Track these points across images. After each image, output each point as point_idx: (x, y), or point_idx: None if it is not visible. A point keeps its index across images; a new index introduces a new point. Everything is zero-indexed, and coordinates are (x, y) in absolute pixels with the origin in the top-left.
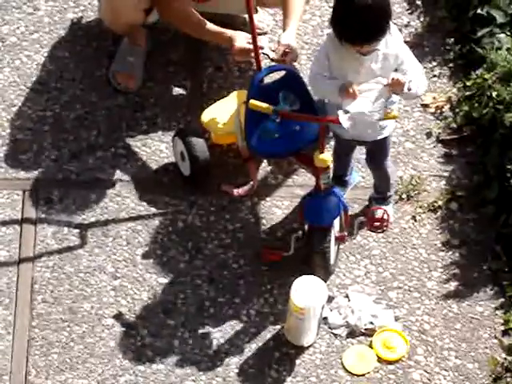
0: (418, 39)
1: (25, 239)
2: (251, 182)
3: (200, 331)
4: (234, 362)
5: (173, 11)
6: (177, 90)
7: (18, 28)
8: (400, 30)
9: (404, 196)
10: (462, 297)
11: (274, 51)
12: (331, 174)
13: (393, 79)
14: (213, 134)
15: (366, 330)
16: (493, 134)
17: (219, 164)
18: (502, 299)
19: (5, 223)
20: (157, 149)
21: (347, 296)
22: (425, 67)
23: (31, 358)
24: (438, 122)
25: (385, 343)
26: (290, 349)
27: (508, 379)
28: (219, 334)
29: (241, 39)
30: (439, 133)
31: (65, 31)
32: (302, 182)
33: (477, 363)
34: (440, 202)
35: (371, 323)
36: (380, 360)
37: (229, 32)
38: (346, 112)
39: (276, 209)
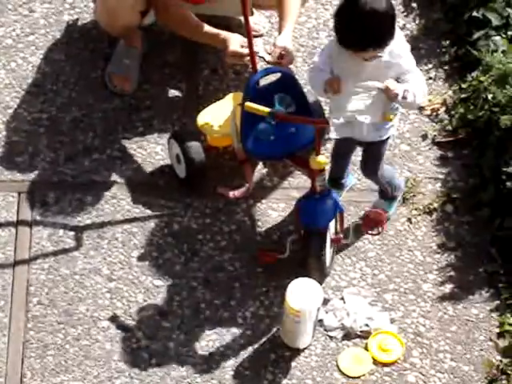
0: (414, 41)
1: (20, 241)
2: (247, 185)
3: (196, 333)
4: (229, 365)
5: (169, 14)
6: (172, 92)
7: (13, 30)
8: None
9: (399, 198)
10: (457, 299)
11: (269, 54)
12: (327, 177)
13: (386, 86)
14: (208, 137)
15: (361, 332)
16: (488, 136)
17: (215, 166)
18: (498, 301)
19: (0, 225)
20: (152, 151)
21: (343, 298)
22: (420, 69)
23: (26, 361)
24: (434, 124)
25: (380, 345)
26: (285, 351)
27: (503, 381)
28: (215, 337)
29: (235, 42)
30: (435, 135)
31: (60, 33)
32: (297, 184)
33: (472, 365)
34: (435, 205)
35: (367, 325)
36: (375, 362)
37: (223, 34)
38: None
39: (272, 211)
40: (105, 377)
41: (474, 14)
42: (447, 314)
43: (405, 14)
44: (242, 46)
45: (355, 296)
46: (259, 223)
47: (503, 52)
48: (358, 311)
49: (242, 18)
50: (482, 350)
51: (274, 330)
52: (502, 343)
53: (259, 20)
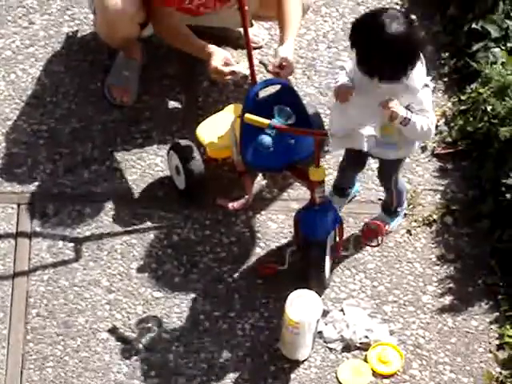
0: None
1: (19, 253)
2: (246, 196)
3: (195, 345)
4: (229, 377)
5: (163, 25)
6: (172, 104)
7: (13, 42)
8: None
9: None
10: (457, 311)
11: (268, 64)
12: (331, 184)
13: (386, 102)
14: (208, 148)
15: (361, 344)
16: (488, 148)
17: (214, 178)
18: (497, 313)
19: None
20: (152, 163)
21: (342, 310)
22: None
23: (26, 372)
24: (433, 136)
25: (380, 357)
26: (284, 363)
27: None
28: (214, 348)
29: (217, 58)
30: (434, 147)
31: (60, 45)
32: (297, 195)
33: (472, 377)
34: (435, 216)
35: (366, 337)
36: (375, 374)
37: (209, 48)
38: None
39: (271, 223)
40: None
41: (474, 26)
42: (447, 325)
43: None
44: (226, 64)
45: (355, 308)
46: (259, 235)
47: (502, 64)
48: (358, 323)
49: (241, 30)
50: (481, 361)
51: (274, 341)
52: (502, 355)
53: (258, 32)
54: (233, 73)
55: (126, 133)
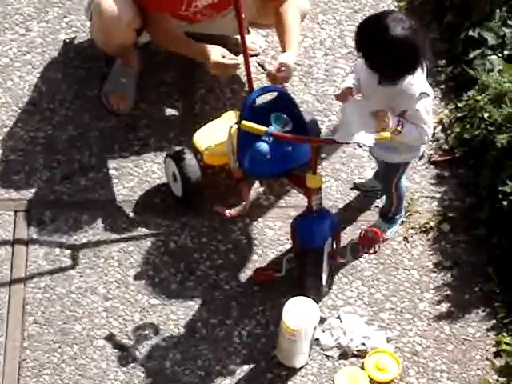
0: None
1: (16, 260)
2: (243, 203)
3: (192, 353)
4: None
5: (156, 29)
6: (169, 111)
7: (10, 49)
8: None
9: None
10: (453, 318)
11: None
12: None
13: (376, 112)
14: (205, 155)
15: (358, 351)
16: (485, 155)
17: (211, 185)
18: (494, 321)
19: None
20: (149, 170)
21: (339, 317)
22: None
23: (22, 380)
24: (430, 143)
25: (377, 364)
26: (281, 370)
27: None
28: (211, 356)
29: (215, 53)
30: (431, 154)
31: (57, 52)
32: (294, 202)
33: None
34: (432, 224)
35: (363, 344)
36: (372, 381)
37: (203, 46)
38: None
39: (268, 230)
40: None
41: (470, 33)
42: (444, 333)
43: None
44: (223, 57)
45: (352, 315)
46: (256, 242)
47: (499, 71)
48: (355, 330)
49: (238, 37)
50: (478, 369)
51: (271, 348)
52: (499, 362)
53: (256, 39)
54: (236, 65)
55: (123, 140)
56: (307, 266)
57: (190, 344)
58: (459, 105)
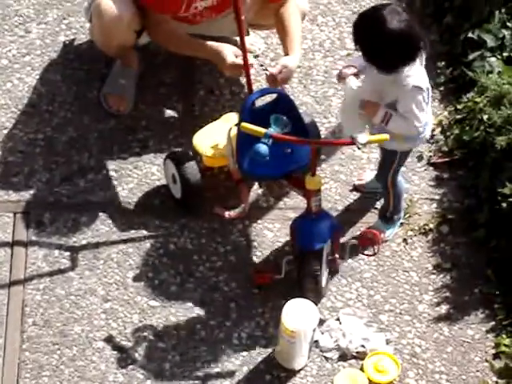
0: None
1: (15, 262)
2: (243, 205)
3: (191, 354)
4: None
5: (160, 31)
6: (168, 113)
7: (9, 51)
8: None
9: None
10: (453, 320)
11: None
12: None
13: (366, 102)
14: (204, 157)
15: (357, 353)
16: (484, 157)
17: (210, 187)
18: (493, 322)
19: None
20: (148, 171)
21: (338, 319)
22: None
23: (22, 381)
24: (429, 145)
25: (376, 366)
26: (281, 372)
27: None
28: (210, 358)
29: (229, 53)
30: (430, 156)
31: (56, 54)
32: (293, 204)
33: None
34: (431, 225)
35: (362, 346)
36: (371, 383)
37: (215, 45)
38: None
39: (267, 231)
40: None
41: (470, 35)
42: (443, 334)
43: None
44: (236, 56)
45: (351, 317)
46: (255, 244)
47: (498, 73)
48: (354, 332)
49: (238, 39)
50: (477, 371)
51: (270, 350)
52: (498, 364)
53: (255, 41)
54: (250, 65)
55: (122, 141)
56: (306, 268)
57: (189, 346)
58: (458, 107)
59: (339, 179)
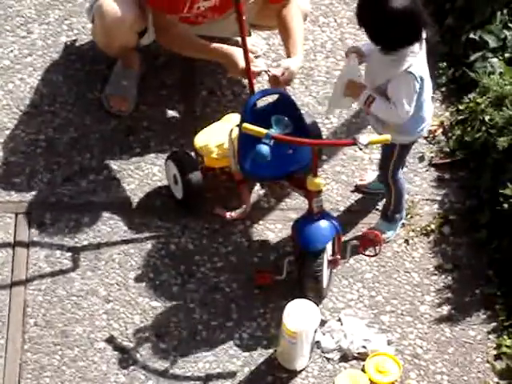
0: None
1: (17, 262)
2: (244, 206)
3: (192, 355)
4: None
5: (170, 35)
6: (170, 114)
7: (11, 51)
8: None
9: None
10: (454, 321)
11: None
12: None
13: (351, 82)
14: (205, 158)
15: (358, 353)
16: (485, 158)
17: (212, 187)
18: (495, 323)
19: None
20: (150, 172)
21: (340, 320)
22: None
23: (23, 382)
24: (431, 145)
25: (377, 367)
26: (282, 373)
27: None
28: (212, 358)
29: (242, 58)
30: (432, 157)
31: (58, 54)
32: (294, 205)
33: None
34: (433, 226)
35: (364, 347)
36: None
37: (227, 49)
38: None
39: (269, 232)
40: None
41: (471, 35)
42: (444, 335)
43: None
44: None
45: (352, 318)
46: (256, 244)
47: (500, 74)
48: (355, 333)
49: (239, 39)
50: (479, 372)
51: (271, 351)
52: (499, 365)
53: (256, 41)
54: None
55: (123, 142)
56: (308, 269)
57: (190, 346)
58: (460, 107)
59: (341, 180)
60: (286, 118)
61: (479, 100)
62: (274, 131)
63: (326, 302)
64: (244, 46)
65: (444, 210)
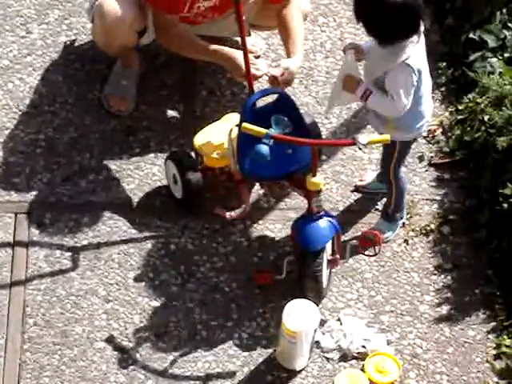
0: None
1: (17, 262)
2: (244, 205)
3: (192, 355)
4: None
5: (171, 36)
6: (170, 113)
7: (10, 51)
8: None
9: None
10: (454, 321)
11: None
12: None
13: (348, 77)
14: (205, 157)
15: (358, 353)
16: (485, 158)
17: (211, 187)
18: (494, 323)
19: None
20: (149, 172)
21: (339, 320)
22: None
23: (23, 382)
24: (431, 145)
25: (377, 367)
26: (282, 372)
27: None
28: (211, 358)
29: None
30: (431, 157)
31: (58, 54)
32: (294, 205)
33: None
34: (432, 226)
35: (363, 347)
36: None
37: (229, 51)
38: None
39: (268, 232)
40: None
41: (471, 35)
42: (444, 335)
43: None
44: (253, 64)
45: (352, 317)
46: (256, 244)
47: (500, 74)
48: (355, 332)
49: (239, 39)
50: (478, 371)
51: (271, 351)
52: (499, 365)
53: (256, 41)
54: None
55: (123, 142)
56: (307, 269)
57: (190, 346)
58: (460, 107)
59: (340, 180)
60: (286, 118)
61: (479, 100)
62: (273, 131)
63: (326, 302)
64: (244, 46)
65: (444, 209)
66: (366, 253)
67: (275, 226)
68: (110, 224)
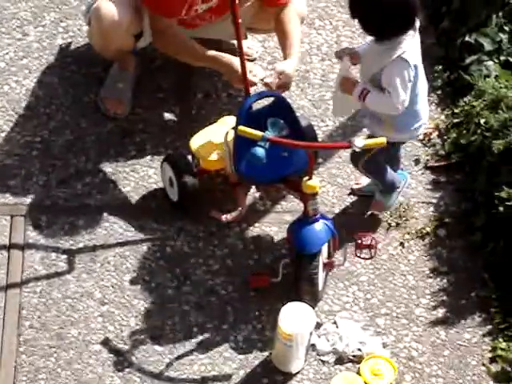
0: None
1: (12, 265)
2: (239, 208)
3: (188, 357)
4: None
5: (167, 40)
6: (166, 116)
7: (6, 53)
8: None
9: (392, 223)
10: (449, 324)
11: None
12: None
13: (344, 78)
14: (201, 160)
15: (353, 356)
16: (481, 161)
17: (207, 190)
18: (490, 326)
19: None
20: (145, 174)
21: (335, 322)
22: None
23: None
24: (426, 148)
25: (373, 370)
26: (277, 375)
27: None
28: (207, 361)
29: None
30: (427, 160)
31: (54, 57)
32: (290, 207)
33: None
34: (428, 229)
35: (359, 350)
36: None
37: (226, 57)
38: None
39: (264, 235)
40: None
41: (467, 38)
42: (440, 338)
43: None
44: (250, 71)
45: (348, 320)
46: (252, 247)
47: (496, 77)
48: (351, 335)
49: (235, 42)
50: (474, 374)
51: (267, 354)
52: (495, 368)
53: (252, 44)
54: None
55: (119, 145)
56: (303, 271)
57: (185, 349)
58: (455, 110)
59: (336, 183)
60: (282, 121)
61: (475, 103)
62: (269, 134)
63: (322, 305)
64: (240, 48)
65: (439, 212)
66: (362, 256)
67: (271, 228)
68: (105, 226)
